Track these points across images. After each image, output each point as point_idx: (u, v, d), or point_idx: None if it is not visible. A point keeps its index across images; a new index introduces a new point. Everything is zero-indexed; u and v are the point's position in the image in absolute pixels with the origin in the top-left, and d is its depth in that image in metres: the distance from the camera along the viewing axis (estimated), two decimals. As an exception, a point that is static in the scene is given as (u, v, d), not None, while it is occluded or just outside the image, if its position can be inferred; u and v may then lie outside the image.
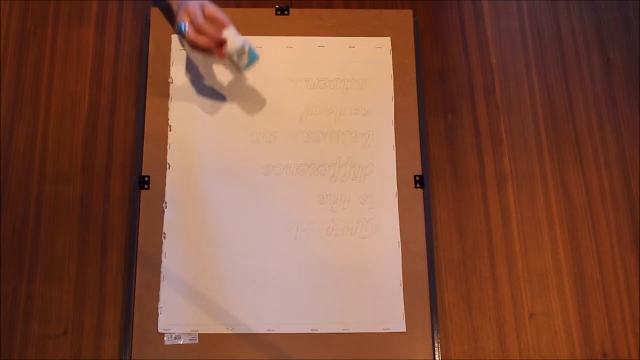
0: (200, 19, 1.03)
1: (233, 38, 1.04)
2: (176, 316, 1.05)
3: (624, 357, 1.07)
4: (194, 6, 1.04)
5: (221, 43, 1.04)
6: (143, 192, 1.10)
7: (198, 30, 1.03)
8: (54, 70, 1.18)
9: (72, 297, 1.06)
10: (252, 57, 1.08)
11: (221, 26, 1.04)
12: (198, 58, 1.17)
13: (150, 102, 1.15)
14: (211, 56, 1.06)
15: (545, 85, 1.21)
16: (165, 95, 1.16)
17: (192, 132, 1.14)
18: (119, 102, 1.17)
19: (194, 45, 1.04)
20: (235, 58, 1.06)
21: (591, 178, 1.16)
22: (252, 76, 1.18)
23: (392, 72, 1.19)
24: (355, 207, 1.11)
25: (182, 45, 1.15)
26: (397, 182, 1.13)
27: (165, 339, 1.04)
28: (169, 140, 1.13)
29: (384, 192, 1.12)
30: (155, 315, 1.05)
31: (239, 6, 1.24)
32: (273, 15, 1.22)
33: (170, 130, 1.14)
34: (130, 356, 1.03)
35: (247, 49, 1.06)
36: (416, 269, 1.08)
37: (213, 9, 1.05)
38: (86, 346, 1.04)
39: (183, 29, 1.03)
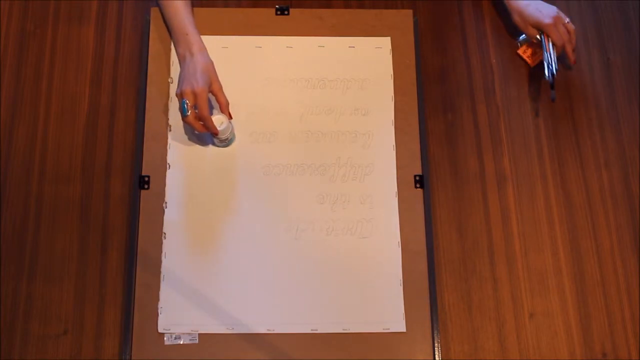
0: (206, 111, 1.06)
1: (223, 132, 1.09)
2: (176, 316, 1.05)
3: (624, 357, 1.06)
4: (202, 90, 1.06)
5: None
6: (143, 192, 1.10)
7: (200, 118, 1.06)
8: (54, 70, 1.18)
9: (72, 297, 1.06)
10: (231, 140, 1.13)
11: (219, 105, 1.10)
12: None
13: (150, 102, 1.15)
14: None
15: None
16: (165, 95, 1.16)
17: (192, 132, 1.14)
18: (119, 102, 1.17)
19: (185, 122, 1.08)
20: (217, 142, 1.12)
21: (591, 178, 1.16)
22: (252, 76, 1.18)
23: (392, 72, 1.19)
24: (355, 207, 1.11)
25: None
26: (397, 182, 1.13)
27: (165, 339, 1.04)
28: (169, 140, 1.13)
29: (384, 192, 1.12)
30: (155, 315, 1.05)
31: (239, 6, 1.24)
32: (273, 15, 1.22)
33: (170, 130, 1.14)
34: (130, 356, 1.03)
35: (231, 137, 1.12)
36: (416, 269, 1.08)
37: (218, 89, 1.09)
38: (86, 346, 1.04)
39: (185, 110, 1.05)
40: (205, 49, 1.12)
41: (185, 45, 1.12)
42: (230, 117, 1.10)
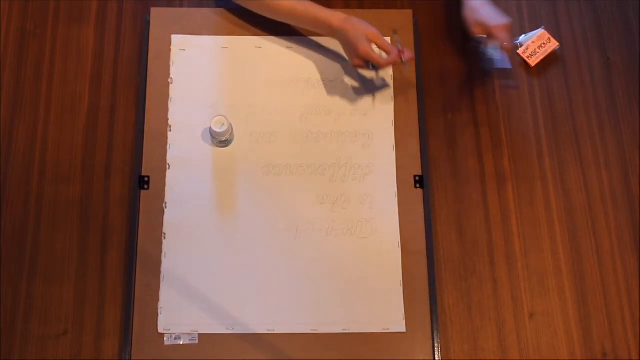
0: (379, 59, 1.09)
1: (223, 133, 1.09)
2: (176, 316, 1.05)
3: (624, 357, 1.06)
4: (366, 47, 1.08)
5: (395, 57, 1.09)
6: (143, 192, 1.10)
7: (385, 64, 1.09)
8: (54, 70, 1.18)
9: (72, 297, 1.06)
10: (231, 140, 1.13)
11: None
12: (201, 59, 1.17)
13: (150, 102, 1.15)
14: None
15: (545, 85, 1.21)
16: (165, 95, 1.16)
17: (192, 132, 1.14)
18: (119, 102, 1.17)
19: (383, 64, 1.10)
20: (217, 143, 1.12)
21: (591, 178, 1.16)
22: (252, 76, 1.18)
23: (392, 72, 1.19)
24: (355, 207, 1.11)
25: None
26: (397, 182, 1.13)
27: (165, 339, 1.04)
28: (169, 140, 1.13)
29: (383, 192, 1.12)
30: (155, 315, 1.05)
31: (239, 6, 1.24)
32: (273, 15, 1.22)
33: (170, 130, 1.14)
34: (130, 356, 1.03)
35: (230, 138, 1.12)
36: (416, 269, 1.08)
37: (376, 36, 1.10)
38: (86, 346, 1.04)
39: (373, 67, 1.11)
40: (340, 16, 1.11)
41: (325, 28, 1.12)
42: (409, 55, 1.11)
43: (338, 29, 1.10)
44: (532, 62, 1.21)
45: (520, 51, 1.22)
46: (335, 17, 1.10)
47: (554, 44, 1.22)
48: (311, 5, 1.12)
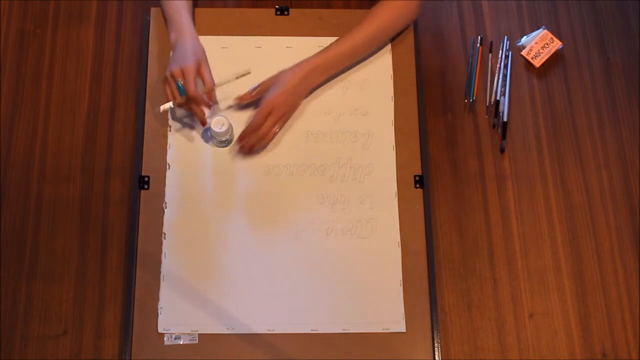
0: (192, 88, 1.05)
1: (223, 134, 1.09)
2: (176, 316, 1.05)
3: (624, 357, 1.06)
4: (190, 68, 1.06)
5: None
6: (143, 192, 1.10)
7: (189, 98, 1.06)
8: (54, 70, 1.18)
9: (72, 297, 1.06)
10: (231, 141, 1.12)
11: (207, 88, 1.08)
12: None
13: (150, 102, 1.15)
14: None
15: (545, 85, 1.21)
16: (165, 95, 1.15)
17: (192, 132, 1.14)
18: (119, 102, 1.17)
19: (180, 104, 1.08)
20: (217, 143, 1.12)
21: (591, 178, 1.16)
22: (252, 76, 1.18)
23: (392, 72, 1.19)
24: (355, 208, 1.11)
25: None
26: (397, 182, 1.13)
27: (165, 339, 1.04)
28: (169, 140, 1.13)
29: (383, 192, 1.12)
30: (155, 315, 1.05)
31: (239, 6, 1.24)
32: (273, 16, 1.22)
33: (170, 130, 1.14)
34: (130, 356, 1.03)
35: (230, 138, 1.11)
36: (416, 269, 1.08)
37: (206, 70, 1.08)
38: (86, 346, 1.04)
39: (182, 89, 1.06)
40: (197, 36, 1.12)
41: (177, 31, 1.11)
42: (215, 101, 1.11)
43: (175, 40, 1.11)
44: (537, 62, 1.21)
45: (524, 53, 1.22)
46: (187, 32, 1.11)
47: (557, 44, 1.22)
48: (185, 10, 1.13)
